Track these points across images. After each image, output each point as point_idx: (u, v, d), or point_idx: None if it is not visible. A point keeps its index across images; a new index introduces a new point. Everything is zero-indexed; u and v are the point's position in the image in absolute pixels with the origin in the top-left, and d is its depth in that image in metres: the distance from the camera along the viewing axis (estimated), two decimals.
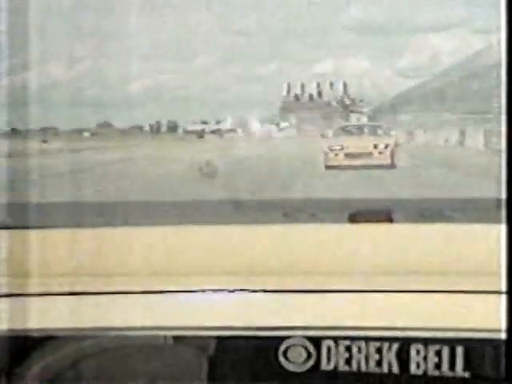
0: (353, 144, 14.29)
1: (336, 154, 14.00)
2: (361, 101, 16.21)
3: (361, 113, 16.17)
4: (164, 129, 16.11)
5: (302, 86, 15.07)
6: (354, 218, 1.87)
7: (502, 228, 1.50)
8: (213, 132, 15.97)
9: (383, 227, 1.85)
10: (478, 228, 1.80)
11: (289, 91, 15.09)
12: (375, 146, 14.17)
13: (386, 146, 14.15)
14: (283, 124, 15.58)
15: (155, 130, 16.43)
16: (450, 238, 1.80)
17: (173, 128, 16.04)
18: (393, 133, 15.03)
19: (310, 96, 15.13)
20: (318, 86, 14.95)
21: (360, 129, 15.05)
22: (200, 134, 16.06)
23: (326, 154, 14.04)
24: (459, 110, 16.93)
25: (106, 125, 16.10)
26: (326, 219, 2.00)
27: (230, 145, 15.37)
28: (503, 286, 1.50)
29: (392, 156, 13.96)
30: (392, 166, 13.64)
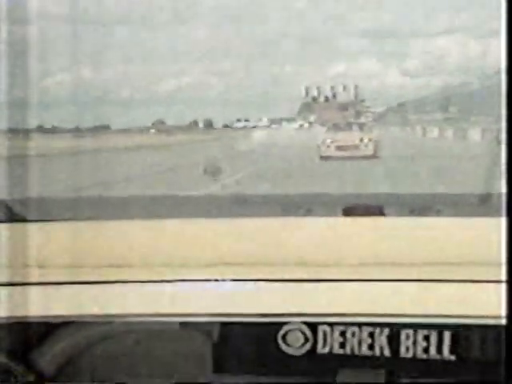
0: (342, 138, 15.49)
1: (328, 146, 15.10)
2: (374, 99, 17.05)
3: (371, 112, 17.02)
4: (201, 125, 16.19)
5: (319, 89, 15.91)
6: (348, 212, 1.88)
7: (503, 221, 1.51)
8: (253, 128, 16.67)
9: (378, 220, 1.87)
10: (473, 221, 1.81)
11: (307, 93, 15.87)
12: (361, 140, 15.25)
13: (370, 140, 15.16)
14: (300, 122, 16.52)
15: (207, 126, 16.51)
16: (443, 230, 1.81)
17: (209, 126, 16.17)
18: (375, 129, 16.08)
19: (326, 98, 15.95)
20: (333, 88, 15.77)
21: (349, 126, 16.11)
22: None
23: (319, 146, 15.16)
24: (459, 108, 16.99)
25: (160, 122, 16.08)
26: (321, 213, 2.01)
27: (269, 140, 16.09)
28: (500, 276, 1.51)
29: (375, 148, 14.93)
30: (375, 156, 14.63)
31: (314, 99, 15.94)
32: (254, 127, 16.27)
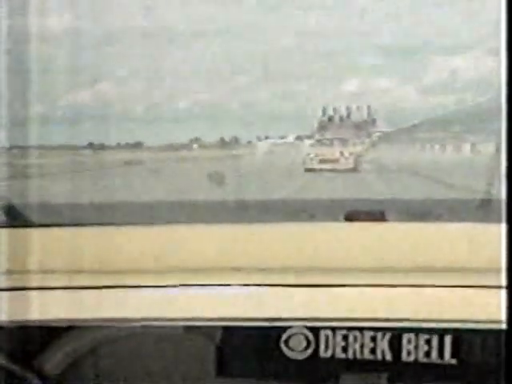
0: (324, 152, 15.82)
1: (312, 160, 15.46)
2: (386, 119, 17.76)
3: (382, 131, 17.62)
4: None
5: (334, 109, 16.55)
6: (350, 217, 1.82)
7: (502, 227, 1.45)
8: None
9: (379, 226, 1.80)
10: (469, 226, 1.75)
11: (324, 113, 16.50)
12: (341, 154, 15.60)
13: (351, 154, 15.55)
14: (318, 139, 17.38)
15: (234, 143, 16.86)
16: (443, 236, 1.75)
17: (236, 142, 16.55)
18: (358, 145, 16.54)
19: (341, 117, 16.55)
20: (348, 109, 16.36)
21: (331, 141, 16.46)
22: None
23: (304, 160, 15.53)
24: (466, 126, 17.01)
25: (196, 140, 16.27)
26: (323, 218, 1.94)
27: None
28: (499, 281, 1.45)
29: (355, 162, 15.34)
30: (355, 169, 15.08)
31: (330, 118, 16.56)
32: (282, 144, 16.82)
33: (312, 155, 15.61)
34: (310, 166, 15.19)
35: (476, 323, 1.58)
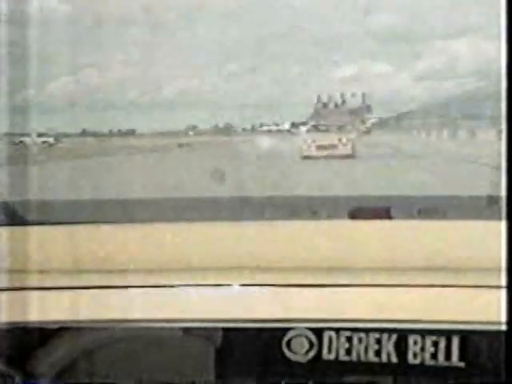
0: (322, 138, 15.91)
1: (309, 146, 15.55)
2: (381, 105, 17.93)
3: (376, 118, 17.83)
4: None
5: (329, 97, 16.80)
6: (354, 214, 1.75)
7: (502, 224, 1.39)
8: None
9: (382, 223, 1.73)
10: (477, 224, 1.68)
11: (319, 100, 16.72)
12: (339, 140, 15.65)
13: (348, 140, 15.62)
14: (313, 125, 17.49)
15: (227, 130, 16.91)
16: (446, 234, 1.68)
17: (229, 130, 16.61)
18: (353, 131, 16.69)
19: (336, 104, 16.77)
20: (342, 96, 16.63)
21: (328, 127, 16.56)
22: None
23: (301, 147, 15.59)
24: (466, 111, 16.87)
25: (192, 127, 16.33)
26: (327, 215, 1.87)
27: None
28: (502, 281, 1.39)
29: (353, 148, 15.36)
30: (353, 156, 14.87)
31: (325, 105, 16.70)
32: (278, 131, 16.97)
33: (309, 141, 15.51)
34: (308, 154, 15.09)
35: (483, 324, 1.52)
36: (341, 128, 16.10)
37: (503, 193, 1.36)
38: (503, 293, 1.37)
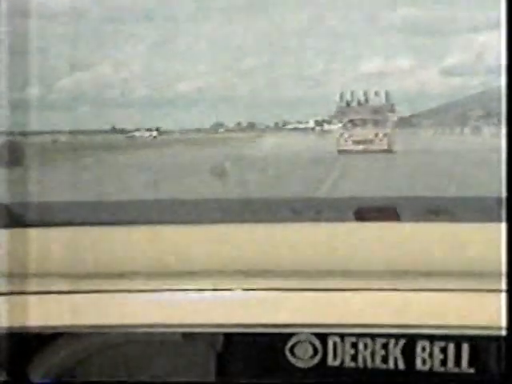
0: (359, 133, 16.07)
1: (346, 141, 15.70)
2: (404, 103, 17.91)
3: (398, 116, 17.81)
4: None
5: (352, 94, 16.91)
6: (360, 214, 1.68)
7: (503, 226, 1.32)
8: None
9: (389, 226, 1.66)
10: (481, 227, 1.60)
11: (341, 98, 16.81)
12: (376, 135, 15.85)
13: (385, 135, 15.75)
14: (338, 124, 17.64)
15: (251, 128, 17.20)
16: (453, 236, 1.60)
17: (252, 127, 16.85)
18: (389, 125, 16.72)
19: (359, 102, 16.85)
20: (365, 94, 16.76)
21: (364, 121, 16.64)
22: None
23: (338, 141, 15.76)
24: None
25: (219, 125, 16.64)
26: (332, 217, 1.80)
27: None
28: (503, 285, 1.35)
29: (389, 143, 15.49)
30: (389, 150, 14.95)
31: (348, 104, 16.75)
32: (304, 129, 17.18)
33: (346, 136, 15.56)
34: (344, 148, 15.15)
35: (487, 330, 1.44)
36: (377, 123, 16.09)
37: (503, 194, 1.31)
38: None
